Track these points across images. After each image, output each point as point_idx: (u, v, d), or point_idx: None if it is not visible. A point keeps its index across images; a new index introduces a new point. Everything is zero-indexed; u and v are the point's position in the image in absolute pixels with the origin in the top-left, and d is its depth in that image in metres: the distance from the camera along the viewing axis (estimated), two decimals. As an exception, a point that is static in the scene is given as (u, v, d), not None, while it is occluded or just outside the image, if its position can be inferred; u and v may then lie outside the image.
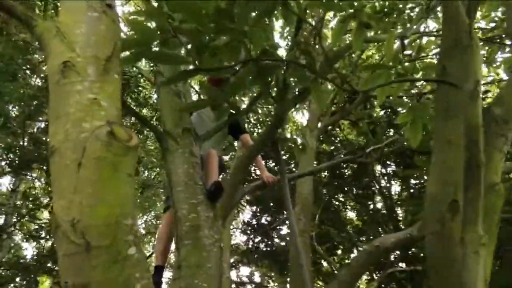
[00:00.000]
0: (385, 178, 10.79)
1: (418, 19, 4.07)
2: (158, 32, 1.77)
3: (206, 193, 3.01)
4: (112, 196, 1.24)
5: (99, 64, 1.43)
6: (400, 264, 8.56)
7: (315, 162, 10.53)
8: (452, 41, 2.31)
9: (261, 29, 1.79)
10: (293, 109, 10.48)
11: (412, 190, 10.07)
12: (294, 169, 9.95)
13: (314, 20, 6.32)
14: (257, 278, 12.66)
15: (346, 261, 11.73)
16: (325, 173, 11.08)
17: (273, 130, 3.14)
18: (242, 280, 12.35)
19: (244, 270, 12.86)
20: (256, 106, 9.15)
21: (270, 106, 9.81)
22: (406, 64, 3.11)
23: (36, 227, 11.90)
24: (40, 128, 10.74)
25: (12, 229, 11.65)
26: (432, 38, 6.40)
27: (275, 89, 2.33)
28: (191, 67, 1.93)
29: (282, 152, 3.49)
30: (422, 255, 8.74)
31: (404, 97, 7.94)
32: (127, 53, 1.94)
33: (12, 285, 10.52)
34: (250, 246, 11.91)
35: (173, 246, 3.49)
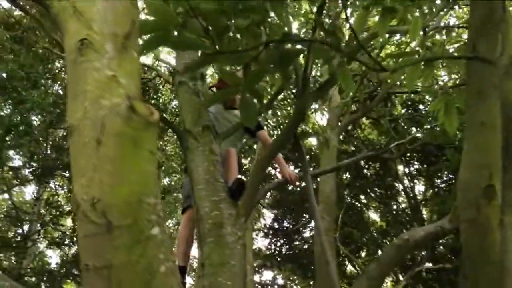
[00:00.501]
0: (409, 177, 10.58)
1: (443, 6, 3.93)
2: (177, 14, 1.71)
3: (228, 191, 2.96)
4: (133, 173, 1.17)
5: (117, 41, 1.37)
6: (427, 264, 8.34)
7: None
8: (483, 17, 2.19)
9: (284, 8, 1.72)
10: (313, 111, 10.39)
11: (437, 189, 9.86)
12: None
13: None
14: (280, 281, 12.53)
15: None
16: (347, 175, 10.95)
17: (295, 126, 3.09)
18: (265, 283, 12.23)
19: (267, 275, 12.71)
20: (275, 107, 9.06)
21: (289, 108, 9.74)
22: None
23: (60, 234, 12.02)
24: (62, 136, 10.87)
25: (37, 236, 11.79)
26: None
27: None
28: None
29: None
30: (448, 255, 8.54)
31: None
32: (146, 38, 1.90)
33: (37, 291, 10.64)
34: (272, 250, 11.81)
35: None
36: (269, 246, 11.90)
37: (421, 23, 2.87)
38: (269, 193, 12.56)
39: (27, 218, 11.10)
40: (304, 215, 11.22)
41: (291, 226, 11.49)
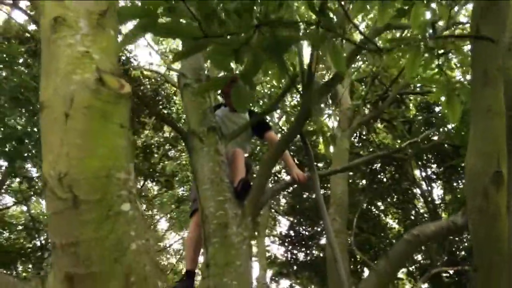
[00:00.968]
0: (426, 180, 10.35)
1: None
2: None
3: (233, 191, 2.92)
4: (102, 147, 1.12)
5: (92, 18, 1.33)
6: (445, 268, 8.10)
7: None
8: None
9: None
10: (326, 116, 10.31)
11: (455, 192, 9.63)
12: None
13: None
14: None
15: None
16: (363, 181, 10.78)
17: (301, 123, 3.03)
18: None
19: (284, 283, 12.54)
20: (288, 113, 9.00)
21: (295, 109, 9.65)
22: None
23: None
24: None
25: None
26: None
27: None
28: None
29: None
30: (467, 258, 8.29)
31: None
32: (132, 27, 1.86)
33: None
34: (288, 258, 11.65)
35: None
36: (285, 254, 11.75)
37: (423, 11, 2.80)
38: (284, 200, 12.47)
39: (44, 229, 11.17)
40: (320, 222, 11.06)
41: (307, 233, 11.33)
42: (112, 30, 1.39)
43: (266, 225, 9.26)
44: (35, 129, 7.24)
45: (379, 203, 11.14)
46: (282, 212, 11.97)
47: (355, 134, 10.95)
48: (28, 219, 11.94)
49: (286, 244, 11.65)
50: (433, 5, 2.99)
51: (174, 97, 11.66)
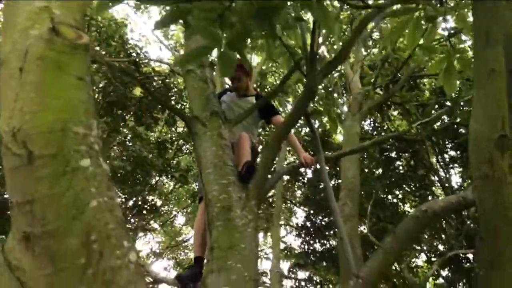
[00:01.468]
0: (443, 166, 10.12)
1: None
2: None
3: (237, 175, 2.89)
4: (58, 100, 1.06)
5: (53, -26, 1.27)
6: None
7: (365, 155, 10.10)
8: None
9: None
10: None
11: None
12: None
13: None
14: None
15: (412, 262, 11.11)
16: (379, 170, 10.61)
17: (305, 104, 2.98)
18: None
19: (301, 275, 12.44)
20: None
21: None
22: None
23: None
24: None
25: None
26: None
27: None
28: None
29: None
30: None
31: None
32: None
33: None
34: (305, 249, 11.55)
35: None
36: (302, 245, 11.64)
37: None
38: (299, 191, 12.36)
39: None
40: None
41: (323, 223, 11.20)
42: (76, -11, 1.33)
43: (279, 215, 9.16)
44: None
45: (397, 191, 10.94)
46: (298, 203, 11.87)
47: (369, 121, 10.77)
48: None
49: (302, 235, 11.54)
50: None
51: (185, 92, 11.58)
